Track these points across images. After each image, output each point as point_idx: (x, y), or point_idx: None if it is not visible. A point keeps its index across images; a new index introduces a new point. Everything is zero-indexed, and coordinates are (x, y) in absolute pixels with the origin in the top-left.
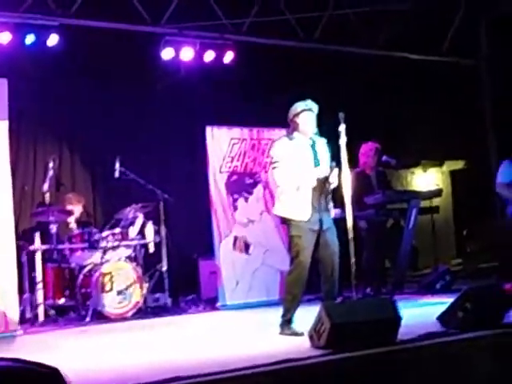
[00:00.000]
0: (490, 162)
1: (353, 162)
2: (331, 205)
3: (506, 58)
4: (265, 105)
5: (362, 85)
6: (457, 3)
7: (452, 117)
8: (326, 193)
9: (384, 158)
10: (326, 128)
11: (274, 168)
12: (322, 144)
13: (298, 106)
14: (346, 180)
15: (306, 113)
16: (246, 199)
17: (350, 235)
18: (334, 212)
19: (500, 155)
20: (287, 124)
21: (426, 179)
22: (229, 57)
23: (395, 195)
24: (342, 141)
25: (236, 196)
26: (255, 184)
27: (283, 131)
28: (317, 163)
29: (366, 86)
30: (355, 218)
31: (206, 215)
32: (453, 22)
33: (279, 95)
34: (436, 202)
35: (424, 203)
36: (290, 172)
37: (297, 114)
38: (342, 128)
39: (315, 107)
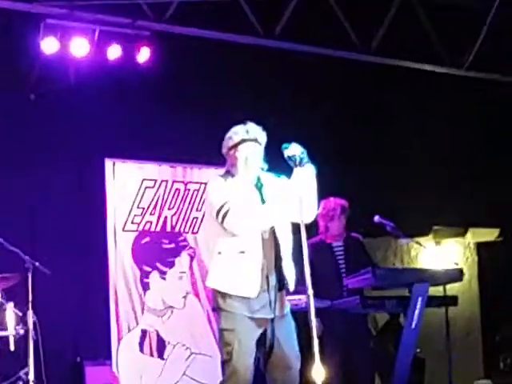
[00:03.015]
0: None
1: (311, 228)
2: (291, 278)
3: None
4: (197, 129)
5: (344, 103)
6: None
7: (483, 166)
8: (280, 260)
9: (376, 218)
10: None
11: (224, 216)
12: (274, 184)
13: (236, 132)
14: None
15: (248, 144)
16: (163, 274)
17: (315, 341)
18: (290, 299)
19: None
20: (222, 159)
21: (440, 255)
22: (144, 55)
23: (391, 276)
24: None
25: (147, 268)
26: (178, 251)
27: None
28: None
29: (348, 106)
30: (320, 312)
31: (100, 296)
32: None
33: (219, 115)
34: (454, 289)
35: (435, 290)
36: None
37: (234, 146)
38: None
39: (261, 135)
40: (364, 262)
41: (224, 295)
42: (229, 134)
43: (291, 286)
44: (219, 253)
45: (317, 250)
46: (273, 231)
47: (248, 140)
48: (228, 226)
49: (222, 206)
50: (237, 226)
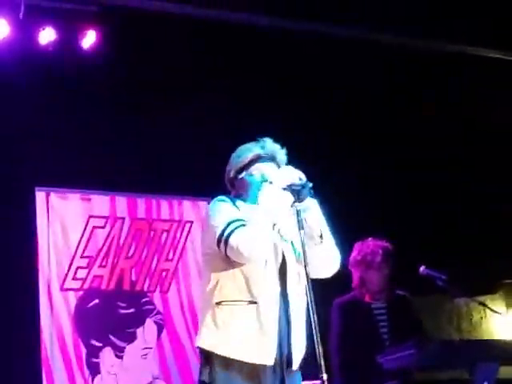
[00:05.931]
0: None
1: (344, 285)
2: (300, 351)
3: None
4: (167, 143)
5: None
6: None
7: None
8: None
9: (422, 269)
10: None
11: (228, 237)
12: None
13: (247, 150)
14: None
15: (264, 165)
16: (120, 351)
17: None
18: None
19: None
20: (223, 188)
21: None
22: (89, 39)
23: (444, 352)
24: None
25: (97, 343)
26: (141, 318)
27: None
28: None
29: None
30: None
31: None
32: None
33: (202, 120)
34: None
35: (508, 372)
36: (235, 270)
37: (244, 167)
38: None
39: (280, 152)
40: (410, 327)
41: (224, 362)
42: (238, 153)
43: (295, 363)
44: (217, 304)
45: (349, 312)
46: (283, 278)
47: (263, 158)
48: (234, 251)
49: (226, 227)
50: (246, 245)
